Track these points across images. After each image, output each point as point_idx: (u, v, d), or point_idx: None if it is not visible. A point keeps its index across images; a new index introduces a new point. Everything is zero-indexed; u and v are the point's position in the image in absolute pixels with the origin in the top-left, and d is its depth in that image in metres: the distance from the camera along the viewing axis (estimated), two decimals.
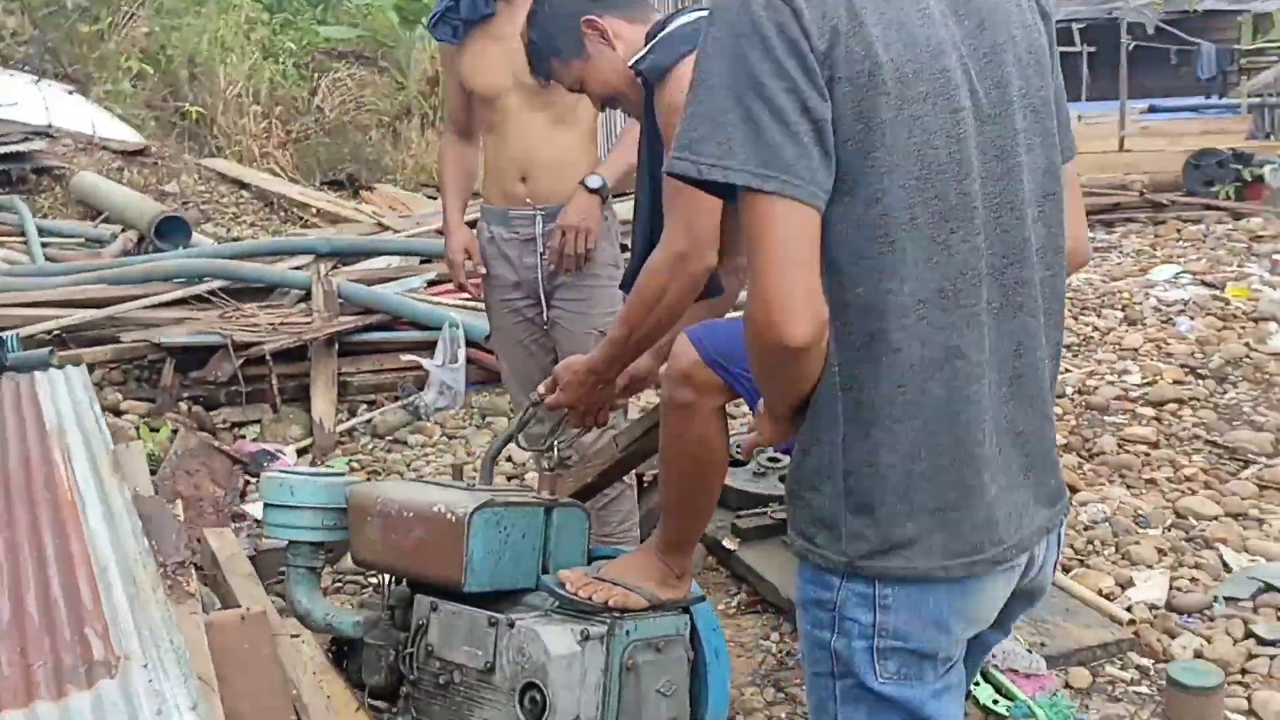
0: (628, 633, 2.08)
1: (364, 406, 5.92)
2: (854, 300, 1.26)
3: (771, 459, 4.44)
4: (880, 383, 1.26)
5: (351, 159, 11.70)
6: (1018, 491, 1.35)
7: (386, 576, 2.43)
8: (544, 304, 3.13)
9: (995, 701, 2.83)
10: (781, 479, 4.38)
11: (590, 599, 2.10)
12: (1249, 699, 2.86)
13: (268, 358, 5.38)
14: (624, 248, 3.21)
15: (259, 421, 5.58)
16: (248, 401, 5.63)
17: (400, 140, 12.48)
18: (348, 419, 5.72)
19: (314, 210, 10.34)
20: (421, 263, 7.18)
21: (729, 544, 3.62)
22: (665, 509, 2.18)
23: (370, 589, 3.32)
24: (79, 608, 1.66)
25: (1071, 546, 3.72)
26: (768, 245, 1.19)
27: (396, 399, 5.90)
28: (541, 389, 2.37)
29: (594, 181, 2.97)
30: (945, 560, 1.28)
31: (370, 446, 5.39)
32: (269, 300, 6.29)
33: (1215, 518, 4.02)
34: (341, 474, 2.60)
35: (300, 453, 5.31)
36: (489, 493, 2.36)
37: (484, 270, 3.14)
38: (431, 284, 6.68)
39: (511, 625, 2.06)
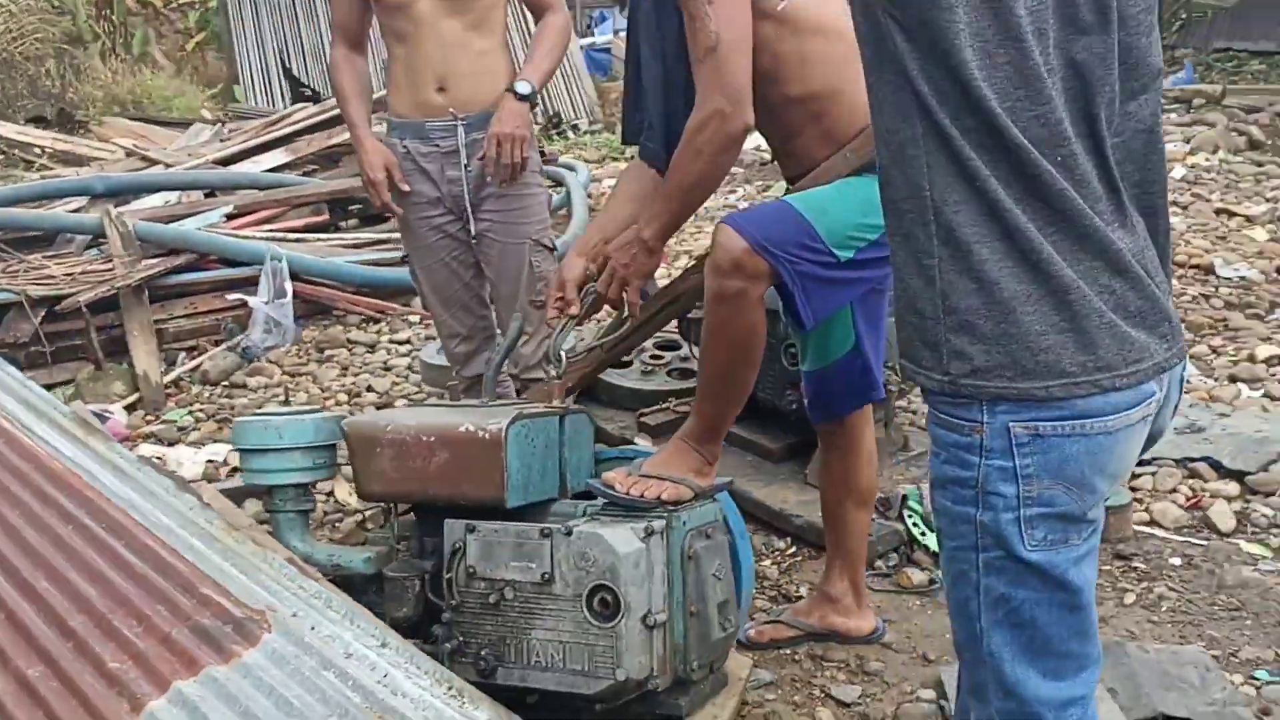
0: (684, 523, 2.12)
1: (183, 355, 5.53)
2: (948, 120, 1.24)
3: (654, 356, 4.54)
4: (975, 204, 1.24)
5: (30, 94, 10.66)
6: (1129, 321, 1.31)
7: (393, 508, 2.35)
8: (470, 218, 3.04)
9: (923, 534, 3.09)
10: (670, 374, 4.49)
11: (643, 496, 2.12)
12: (1148, 510, 3.25)
13: (84, 310, 4.91)
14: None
15: (71, 382, 5.11)
16: (54, 361, 5.14)
17: (84, 72, 11.45)
18: (168, 369, 5.34)
19: (41, 151, 9.40)
20: (207, 195, 6.71)
21: (643, 443, 3.69)
22: (704, 397, 2.21)
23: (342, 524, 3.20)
24: (174, 572, 1.53)
25: None
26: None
27: (219, 343, 5.54)
28: (565, 287, 2.32)
29: (523, 88, 2.89)
30: (1048, 381, 1.25)
31: (206, 394, 5.06)
32: (52, 250, 5.71)
33: None
34: (318, 409, 2.47)
35: (129, 409, 4.92)
36: (509, 407, 2.32)
37: (406, 188, 3.01)
38: (231, 218, 6.26)
39: (569, 533, 2.06)
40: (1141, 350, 1.31)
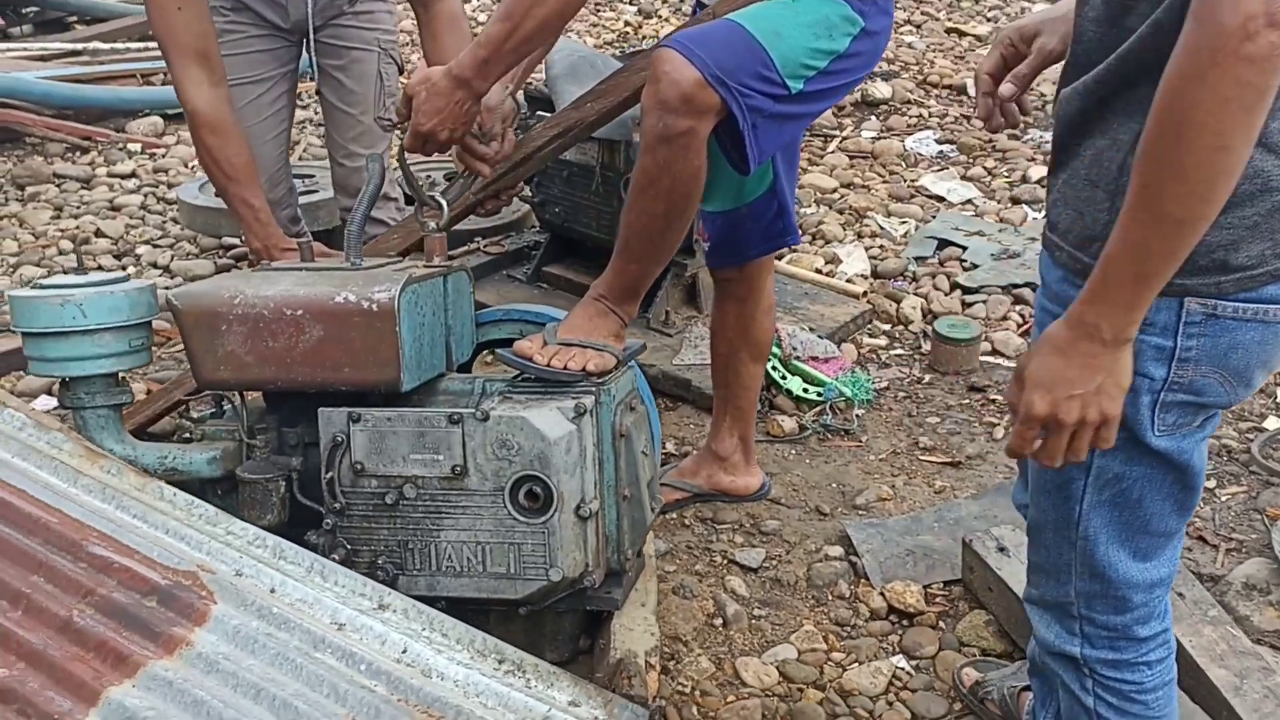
0: (613, 397, 1.88)
1: None
2: None
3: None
4: None
5: None
6: None
7: (239, 398, 1.95)
8: (310, 39, 2.65)
9: (805, 390, 3.00)
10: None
11: (566, 367, 1.85)
12: (989, 339, 3.30)
13: None
14: None
15: None
16: None
17: None
18: None
19: None
20: None
21: None
22: (628, 251, 1.92)
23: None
24: (43, 528, 1.12)
25: None
26: None
27: None
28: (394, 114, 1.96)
29: None
30: (1238, 260, 1.15)
31: None
32: None
33: (834, 190, 4.46)
34: (122, 276, 1.97)
35: None
36: (385, 268, 1.94)
37: None
38: None
39: (485, 418, 1.76)
40: None
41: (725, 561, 2.37)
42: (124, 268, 3.95)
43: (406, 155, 2.02)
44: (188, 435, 2.09)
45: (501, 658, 1.10)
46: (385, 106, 2.71)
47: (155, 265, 3.91)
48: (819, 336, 3.14)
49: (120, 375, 1.94)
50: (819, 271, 3.71)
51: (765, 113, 1.82)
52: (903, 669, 2.09)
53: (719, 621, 2.20)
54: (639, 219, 1.88)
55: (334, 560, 1.76)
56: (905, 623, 2.21)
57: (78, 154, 5.01)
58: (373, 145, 2.78)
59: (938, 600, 2.26)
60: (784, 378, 3.01)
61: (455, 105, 1.88)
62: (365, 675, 1.01)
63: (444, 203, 2.02)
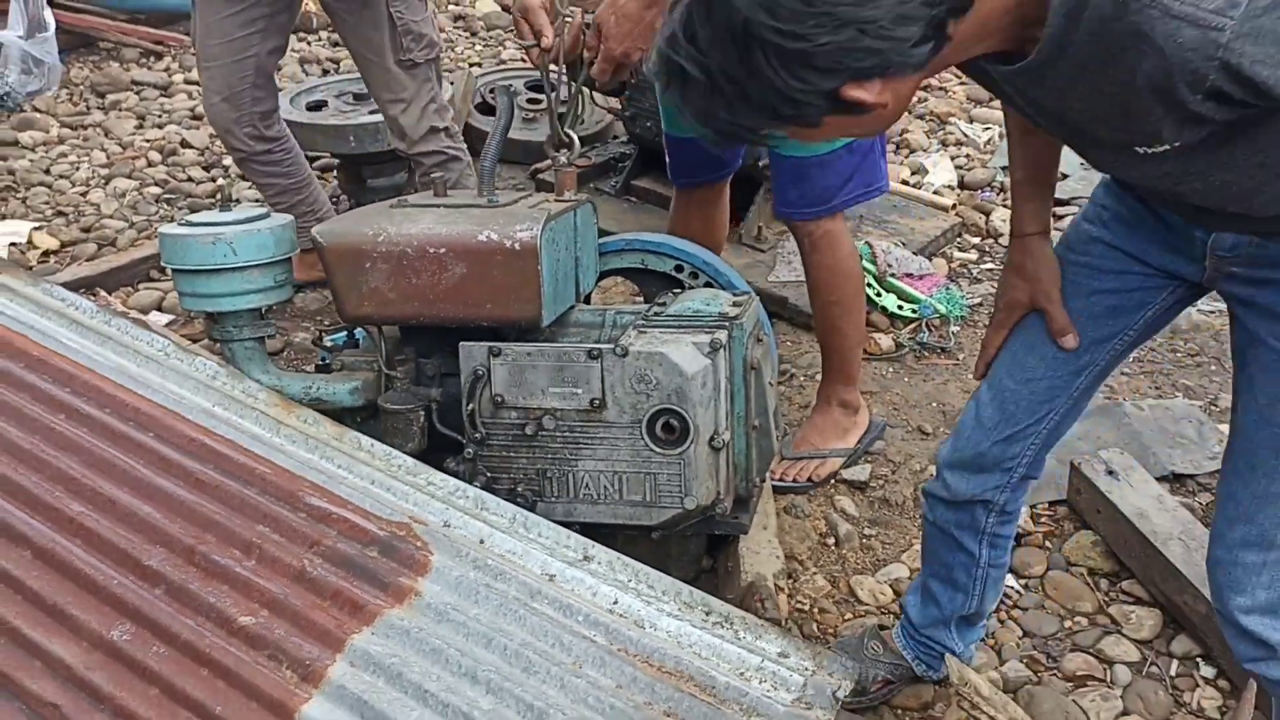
0: (744, 331, 1.93)
1: None
2: None
3: (531, 101, 4.13)
4: None
5: None
6: None
7: (380, 330, 2.02)
8: None
9: (900, 307, 3.03)
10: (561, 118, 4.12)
11: (795, 480, 2.30)
12: None
13: None
14: None
15: None
16: None
17: None
18: None
19: None
20: None
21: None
22: (847, 343, 2.32)
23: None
24: (254, 475, 1.20)
25: None
26: None
27: None
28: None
29: None
30: None
31: None
32: None
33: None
34: (264, 212, 2.03)
35: None
36: (520, 204, 1.98)
37: None
38: None
39: (624, 353, 1.82)
40: None
41: (833, 480, 2.44)
42: (213, 179, 4.01)
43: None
44: (324, 363, 2.17)
45: (709, 609, 1.17)
46: (405, 48, 2.72)
47: (244, 179, 3.96)
48: (911, 252, 3.16)
49: (263, 309, 2.01)
50: (905, 183, 3.70)
51: None
52: (1012, 588, 2.16)
53: (831, 541, 2.27)
54: (845, 310, 2.30)
55: (476, 486, 1.86)
56: (1013, 543, 2.28)
57: (152, 59, 5.03)
58: (393, 91, 2.81)
59: (1043, 520, 2.33)
60: (879, 295, 3.04)
61: (647, 25, 1.92)
62: (584, 625, 1.08)
63: (575, 137, 2.05)
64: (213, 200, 3.84)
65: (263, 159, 3.03)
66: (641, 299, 2.41)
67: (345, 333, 2.18)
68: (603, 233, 2.29)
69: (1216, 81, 1.03)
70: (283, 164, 3.07)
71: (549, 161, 2.14)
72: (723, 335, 1.86)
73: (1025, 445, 1.72)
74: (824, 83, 1.07)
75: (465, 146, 3.10)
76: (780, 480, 2.37)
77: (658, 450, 1.84)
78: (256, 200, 3.74)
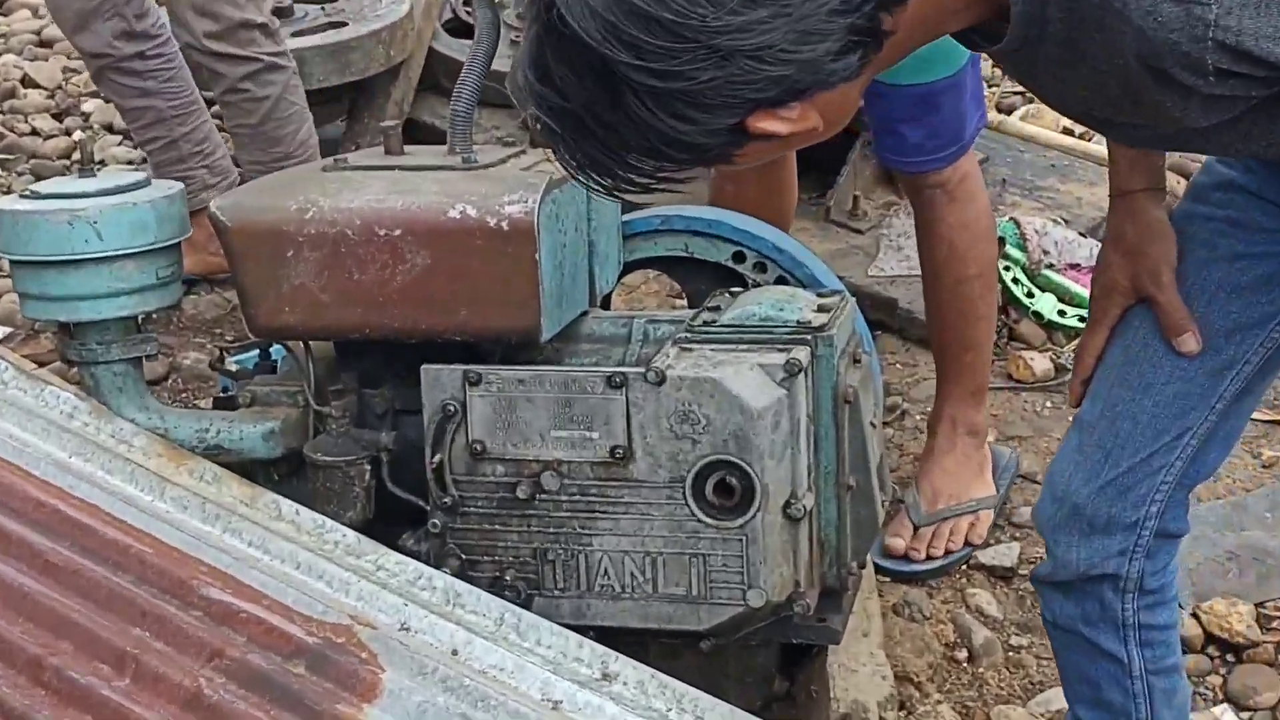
0: (833, 348, 1.93)
1: None
2: None
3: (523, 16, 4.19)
4: None
5: None
6: None
7: (307, 349, 2.04)
8: None
9: (1061, 313, 3.04)
10: None
11: (949, 552, 2.38)
12: None
13: None
14: None
15: None
16: None
17: None
18: None
19: None
20: None
21: None
22: (984, 336, 2.45)
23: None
24: (134, 557, 1.22)
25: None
26: None
27: None
28: None
29: None
30: None
31: None
32: None
33: None
34: (145, 179, 2.06)
35: None
36: (514, 167, 2.01)
37: None
38: None
39: (660, 380, 1.83)
40: None
41: (965, 566, 2.44)
42: (68, 133, 4.08)
43: None
44: (225, 395, 2.20)
45: None
46: None
47: (111, 130, 4.02)
48: (1078, 232, 3.17)
49: (140, 318, 2.05)
50: (1068, 133, 3.72)
51: None
52: None
53: (963, 654, 2.28)
54: (979, 318, 2.38)
55: (446, 572, 1.88)
56: (1231, 658, 2.27)
57: None
58: None
59: (1275, 625, 2.32)
60: (1030, 295, 3.06)
61: None
62: None
63: None
64: (68, 164, 3.89)
65: (130, 68, 3.07)
66: (685, 301, 2.43)
67: (257, 351, 2.21)
68: (630, 205, 2.31)
69: (1220, 64, 1.13)
70: (160, 76, 3.12)
71: None
72: (803, 354, 1.87)
73: (1154, 485, 1.70)
74: (719, 120, 1.18)
75: (289, 53, 3.19)
76: (913, 561, 2.43)
77: (709, 521, 1.85)
78: (130, 163, 3.80)
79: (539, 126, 1.28)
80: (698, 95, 1.14)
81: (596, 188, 1.33)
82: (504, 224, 1.84)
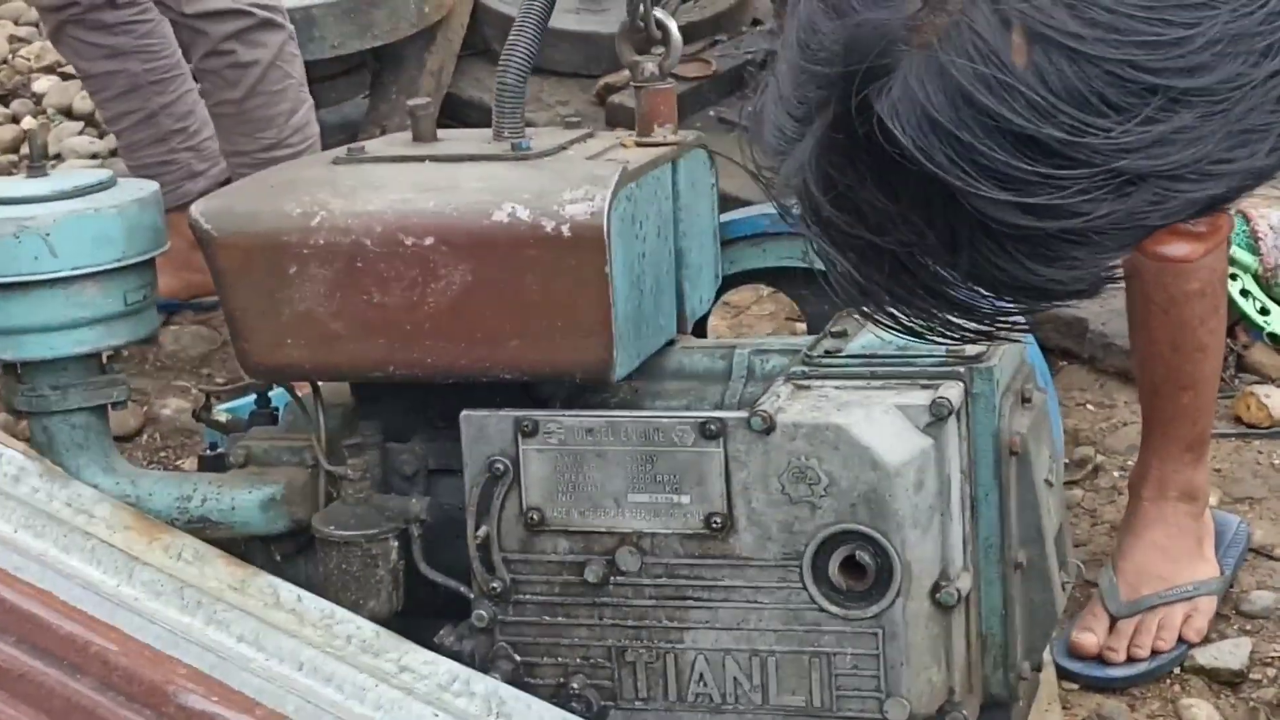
0: (996, 384, 1.97)
1: None
2: None
3: None
4: None
5: None
6: None
7: (317, 393, 2.11)
8: None
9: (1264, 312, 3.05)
10: None
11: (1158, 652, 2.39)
12: None
13: None
14: None
15: None
16: None
17: None
18: None
19: None
20: None
21: None
22: (1207, 375, 2.47)
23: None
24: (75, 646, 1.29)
25: None
26: None
27: None
28: None
29: None
30: None
31: None
32: None
33: None
34: (110, 177, 2.14)
35: None
36: (577, 154, 2.06)
37: None
38: None
39: (768, 427, 1.87)
40: None
41: (1178, 669, 2.45)
42: (15, 119, 4.20)
43: None
44: (213, 452, 2.28)
45: None
46: None
47: (70, 115, 4.13)
48: None
49: (104, 356, 2.13)
50: None
51: None
52: None
53: None
54: (1163, 321, 2.45)
55: (494, 677, 1.93)
56: None
57: None
58: None
59: None
60: (1264, 311, 3.06)
61: None
62: None
63: (672, 26, 2.12)
64: (15, 160, 3.99)
65: (98, 20, 3.16)
66: (804, 325, 2.47)
67: (253, 397, 2.29)
68: (730, 202, 2.35)
69: None
70: (135, 31, 3.21)
71: (627, 72, 2.22)
72: (954, 392, 1.91)
73: None
74: (1104, 259, 1.12)
75: (286, 11, 3.25)
76: (1110, 664, 2.43)
77: (834, 610, 1.89)
78: (94, 157, 3.90)
79: (821, 256, 1.18)
80: (1084, 233, 1.07)
81: (899, 330, 1.23)
82: (565, 229, 1.89)
